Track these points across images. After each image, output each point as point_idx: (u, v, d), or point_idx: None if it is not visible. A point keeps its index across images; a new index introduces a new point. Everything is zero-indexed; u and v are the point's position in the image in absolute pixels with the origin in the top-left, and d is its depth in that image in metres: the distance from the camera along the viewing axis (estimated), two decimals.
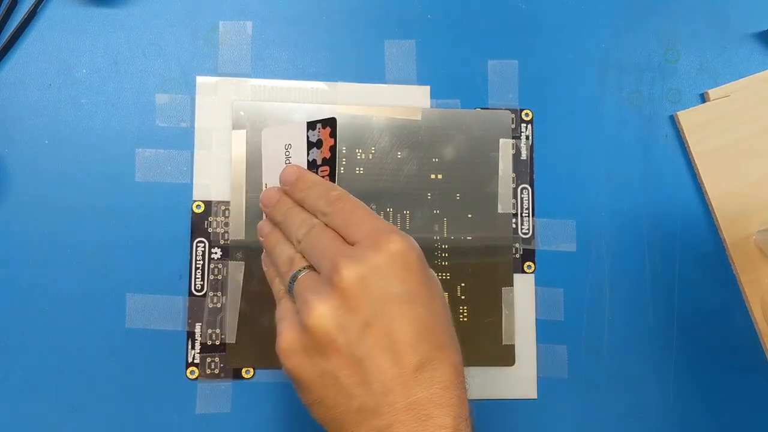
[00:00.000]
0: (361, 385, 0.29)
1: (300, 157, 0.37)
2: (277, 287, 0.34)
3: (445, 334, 0.30)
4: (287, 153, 0.38)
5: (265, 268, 0.37)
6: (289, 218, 0.35)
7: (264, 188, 0.38)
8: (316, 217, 0.33)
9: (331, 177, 0.37)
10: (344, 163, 0.40)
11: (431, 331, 0.29)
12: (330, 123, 0.37)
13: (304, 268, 0.32)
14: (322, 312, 0.29)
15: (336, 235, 0.32)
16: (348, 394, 0.29)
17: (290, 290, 0.32)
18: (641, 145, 0.43)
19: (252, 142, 0.40)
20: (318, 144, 0.37)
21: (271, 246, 0.35)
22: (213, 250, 0.39)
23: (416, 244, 0.30)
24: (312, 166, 0.37)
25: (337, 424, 0.29)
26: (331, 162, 0.37)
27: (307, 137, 0.37)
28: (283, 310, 0.32)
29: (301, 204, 0.35)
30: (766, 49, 0.44)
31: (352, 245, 0.31)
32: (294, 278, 0.32)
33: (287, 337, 0.30)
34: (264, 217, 0.37)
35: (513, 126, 0.42)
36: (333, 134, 0.37)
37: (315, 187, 0.35)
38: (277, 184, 0.37)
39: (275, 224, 0.36)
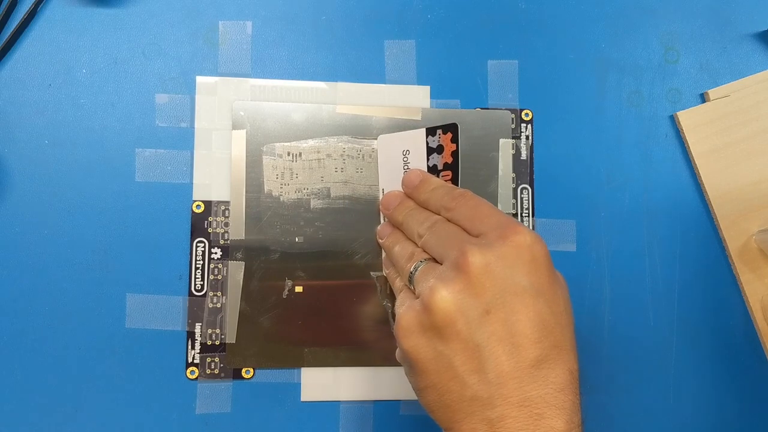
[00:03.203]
0: (476, 372, 0.28)
1: (419, 162, 0.39)
2: (398, 285, 0.35)
3: (565, 336, 0.29)
4: (405, 159, 0.39)
5: (385, 271, 0.39)
6: (412, 217, 0.36)
7: (381, 193, 0.40)
8: (439, 215, 0.34)
9: (454, 181, 0.39)
10: (344, 163, 0.40)
11: (551, 329, 0.29)
12: (451, 129, 0.38)
13: (425, 260, 0.32)
14: (444, 294, 0.29)
15: (460, 228, 0.32)
16: (462, 380, 0.28)
17: (411, 280, 0.32)
18: (641, 145, 0.43)
19: (252, 142, 0.40)
20: (439, 149, 0.38)
21: (391, 246, 0.36)
22: (213, 250, 0.39)
23: (544, 241, 0.30)
24: (433, 171, 0.39)
25: (448, 411, 0.29)
26: (453, 166, 0.38)
27: (427, 143, 0.39)
28: (403, 298, 0.32)
29: (424, 205, 0.36)
30: (766, 49, 0.44)
31: (477, 237, 0.31)
32: (415, 269, 0.32)
33: (407, 316, 0.30)
34: (382, 220, 0.39)
35: (513, 126, 0.42)
36: (455, 139, 0.38)
37: (440, 188, 0.36)
38: (394, 189, 0.39)
39: (396, 225, 0.37)
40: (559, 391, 0.28)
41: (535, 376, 0.28)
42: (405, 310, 0.30)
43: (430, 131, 0.39)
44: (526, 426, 0.27)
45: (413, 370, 0.30)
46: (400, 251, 0.35)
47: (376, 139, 0.40)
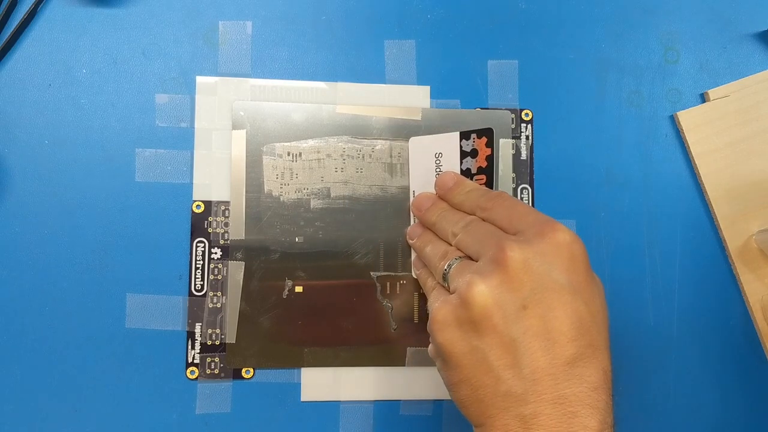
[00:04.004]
0: (511, 368, 0.28)
1: (452, 165, 0.39)
2: (430, 284, 0.35)
3: (601, 335, 0.29)
4: (438, 161, 0.39)
5: (416, 272, 0.39)
6: (445, 218, 0.36)
7: (412, 195, 0.40)
8: (474, 215, 0.34)
9: (488, 185, 0.39)
10: (344, 163, 0.40)
11: (588, 328, 0.29)
12: (486, 133, 0.39)
13: (460, 258, 0.32)
14: (483, 288, 0.29)
15: (496, 227, 0.32)
16: (496, 375, 0.28)
17: (445, 278, 0.32)
18: (641, 145, 0.43)
19: (252, 142, 0.40)
20: (473, 153, 0.39)
21: (423, 246, 0.36)
22: (213, 250, 0.39)
23: (582, 241, 0.30)
24: (466, 174, 0.39)
25: (480, 406, 0.29)
26: (488, 170, 0.39)
27: (461, 146, 0.39)
28: (436, 295, 0.32)
29: (458, 207, 0.36)
30: (766, 49, 0.44)
31: (515, 235, 0.31)
32: (449, 266, 0.32)
33: (442, 310, 0.30)
34: (412, 221, 0.40)
35: (513, 126, 0.42)
36: (490, 144, 0.39)
37: (475, 191, 0.36)
38: (426, 191, 0.39)
39: (428, 226, 0.37)
40: (594, 390, 0.28)
41: (570, 374, 0.28)
42: (440, 304, 0.30)
43: (464, 135, 0.39)
44: (559, 424, 0.27)
45: (447, 364, 0.30)
46: (433, 250, 0.35)
47: (376, 139, 0.40)
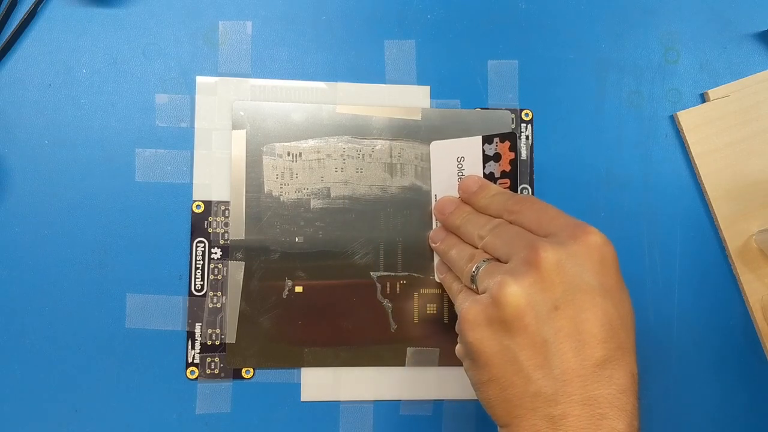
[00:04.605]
0: (542, 368, 0.28)
1: (475, 169, 0.39)
2: (455, 288, 0.35)
3: (629, 338, 0.30)
4: (460, 165, 0.39)
5: (439, 276, 0.39)
6: (471, 221, 0.36)
7: (434, 199, 0.40)
8: (500, 218, 0.34)
9: (512, 189, 0.39)
10: (344, 163, 0.40)
11: (617, 330, 0.29)
12: (510, 137, 0.39)
13: (488, 260, 0.32)
14: (515, 289, 0.29)
15: (524, 231, 0.32)
16: (526, 375, 0.28)
17: (473, 280, 0.32)
18: (641, 145, 0.43)
19: (252, 142, 0.40)
20: (495, 157, 0.39)
21: (447, 249, 0.36)
22: (213, 250, 0.39)
23: (612, 245, 0.30)
24: (489, 178, 0.39)
25: (508, 405, 0.29)
26: (511, 175, 0.39)
27: (483, 150, 0.39)
28: (464, 296, 0.32)
29: (484, 210, 0.36)
30: (766, 49, 0.44)
31: (546, 237, 0.31)
32: (477, 268, 0.32)
33: (474, 309, 0.30)
34: (434, 225, 0.40)
35: (513, 126, 0.42)
36: (513, 148, 0.39)
37: (501, 194, 0.36)
38: (448, 194, 0.39)
39: (451, 230, 0.37)
40: (622, 393, 0.28)
41: (599, 376, 0.28)
42: (470, 303, 0.30)
43: (487, 139, 0.39)
44: (588, 425, 0.27)
45: (476, 363, 0.30)
46: (459, 253, 0.35)
47: (376, 139, 0.40)
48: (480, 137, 0.39)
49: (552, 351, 0.28)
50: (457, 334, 0.32)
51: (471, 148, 0.39)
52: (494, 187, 0.37)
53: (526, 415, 0.28)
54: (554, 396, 0.28)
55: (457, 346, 0.32)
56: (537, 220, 0.32)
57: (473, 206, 0.37)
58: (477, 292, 0.32)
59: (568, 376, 0.28)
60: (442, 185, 0.40)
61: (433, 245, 0.39)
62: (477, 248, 0.34)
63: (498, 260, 0.32)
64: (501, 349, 0.29)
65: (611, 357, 0.28)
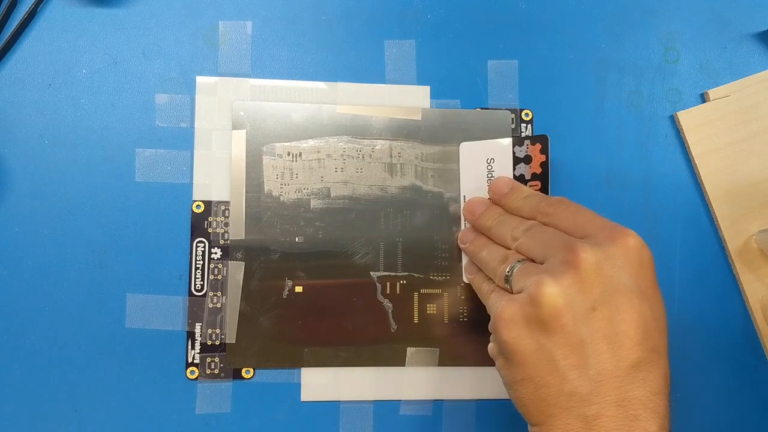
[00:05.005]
0: (578, 368, 0.28)
1: (506, 170, 0.39)
2: (486, 289, 0.35)
3: (663, 341, 0.30)
4: (489, 167, 0.39)
5: (468, 276, 0.39)
6: (503, 223, 0.35)
7: (463, 200, 0.40)
8: (534, 220, 0.34)
9: (543, 191, 0.39)
10: (344, 163, 0.40)
11: (652, 333, 0.29)
12: (541, 140, 0.39)
13: (522, 260, 0.32)
14: (554, 288, 0.29)
15: (559, 232, 0.32)
16: (562, 375, 0.29)
17: (507, 280, 0.32)
18: (641, 145, 0.43)
19: (252, 142, 0.40)
20: (526, 159, 0.38)
21: (478, 250, 0.36)
22: (213, 250, 0.39)
23: (649, 248, 0.31)
24: (520, 180, 0.38)
25: (542, 404, 0.29)
26: (542, 177, 0.39)
27: (513, 153, 0.39)
28: (498, 296, 0.33)
29: (516, 212, 0.36)
30: (766, 49, 0.44)
31: (582, 239, 0.31)
32: (512, 269, 0.32)
33: (511, 307, 0.30)
34: (463, 226, 0.40)
35: (513, 126, 0.42)
36: (544, 150, 0.38)
37: (533, 196, 0.36)
38: (478, 195, 0.39)
39: (482, 231, 0.37)
40: (655, 395, 0.28)
41: (634, 377, 0.28)
42: (507, 302, 0.30)
43: (518, 141, 0.39)
44: (621, 426, 0.27)
45: (511, 362, 0.30)
46: (491, 254, 0.35)
47: (376, 139, 0.40)
48: (510, 139, 0.39)
49: (588, 351, 0.28)
50: (490, 333, 0.32)
51: (501, 149, 0.39)
52: (526, 189, 0.37)
53: (560, 414, 0.28)
54: (589, 396, 0.28)
55: (490, 345, 0.32)
56: (573, 221, 0.32)
57: (505, 208, 0.37)
58: (511, 292, 0.32)
59: (604, 377, 0.28)
60: (471, 186, 0.40)
61: (462, 246, 0.39)
62: (509, 249, 0.34)
63: (532, 261, 0.32)
64: (537, 348, 0.29)
65: (646, 359, 0.29)
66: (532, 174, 0.39)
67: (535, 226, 0.33)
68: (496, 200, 0.38)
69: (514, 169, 0.39)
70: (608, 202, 0.42)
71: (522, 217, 0.35)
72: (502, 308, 0.30)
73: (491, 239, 0.36)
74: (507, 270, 0.33)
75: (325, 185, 0.40)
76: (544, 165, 0.39)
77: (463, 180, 0.40)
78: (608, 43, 0.43)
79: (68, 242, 0.39)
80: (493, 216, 0.37)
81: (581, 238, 0.31)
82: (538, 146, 0.39)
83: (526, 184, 0.39)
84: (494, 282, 0.34)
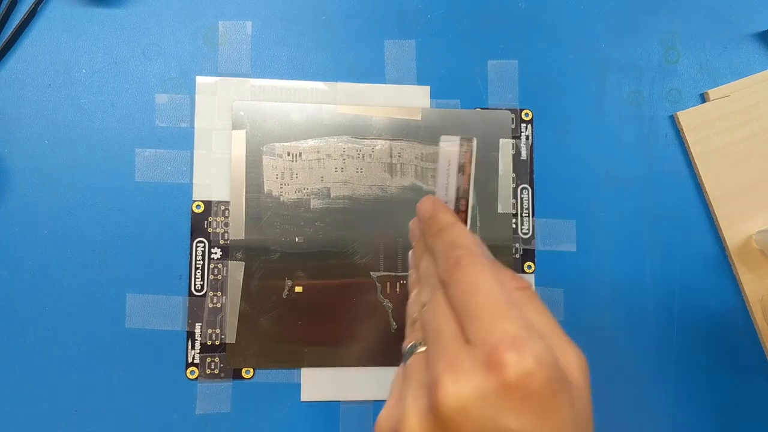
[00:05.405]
0: None
1: (453, 182, 0.32)
2: (410, 310, 0.29)
3: None
4: (448, 171, 0.32)
5: (412, 275, 0.32)
6: (425, 262, 0.29)
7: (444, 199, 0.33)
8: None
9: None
10: (344, 163, 0.40)
11: None
12: (470, 142, 0.31)
13: (421, 344, 0.26)
14: (414, 423, 0.23)
15: (452, 320, 0.25)
16: None
17: (406, 358, 0.27)
18: (641, 145, 0.43)
19: (252, 142, 0.40)
20: (462, 168, 0.31)
21: (410, 288, 0.30)
22: (213, 250, 0.39)
23: (549, 363, 0.22)
24: (457, 193, 0.32)
25: None
26: (467, 195, 0.32)
27: (459, 158, 0.31)
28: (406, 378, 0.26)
29: (430, 251, 0.29)
30: (766, 49, 0.44)
31: (466, 345, 0.24)
32: (410, 352, 0.26)
33: (381, 424, 0.25)
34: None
35: (513, 126, 0.42)
36: (472, 159, 0.31)
37: (442, 235, 0.28)
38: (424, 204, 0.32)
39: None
40: None
41: None
42: (385, 413, 0.25)
43: (461, 142, 0.31)
44: None
45: None
46: (415, 297, 0.29)
47: (376, 139, 0.40)
48: (458, 138, 0.32)
49: None
50: None
51: (457, 152, 0.32)
52: (441, 219, 0.29)
53: None
54: None
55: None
56: (462, 310, 0.24)
57: (425, 240, 0.30)
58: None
59: None
60: (439, 187, 0.33)
61: (411, 236, 0.32)
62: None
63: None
64: None
65: None
66: (463, 190, 0.32)
67: (434, 302, 0.26)
68: (422, 225, 0.31)
69: (456, 178, 0.32)
70: (608, 202, 0.42)
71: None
72: (378, 418, 0.25)
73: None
74: (409, 348, 0.26)
75: (325, 185, 0.40)
76: (470, 178, 0.32)
77: (438, 181, 0.33)
78: (608, 43, 0.43)
79: (68, 242, 0.39)
80: (418, 251, 0.30)
81: (467, 341, 0.24)
82: (469, 153, 0.31)
83: (458, 203, 0.32)
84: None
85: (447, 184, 0.32)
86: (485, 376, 0.22)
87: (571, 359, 0.24)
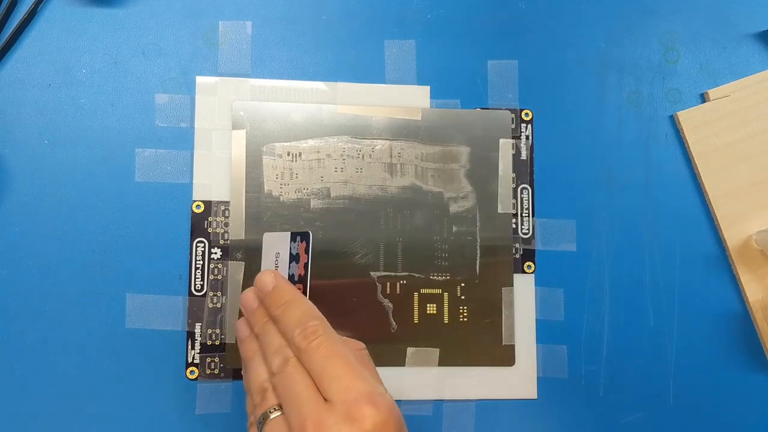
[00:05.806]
0: None
1: (284, 269, 0.35)
2: (249, 406, 0.31)
3: None
4: (276, 262, 0.36)
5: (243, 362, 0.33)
6: (266, 337, 0.31)
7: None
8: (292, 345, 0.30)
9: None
10: (344, 163, 0.40)
11: None
12: (305, 237, 0.35)
13: (276, 409, 0.29)
14: None
15: (309, 383, 0.28)
16: None
17: (260, 427, 0.29)
18: (641, 145, 0.43)
19: (252, 142, 0.40)
20: (296, 258, 0.35)
21: (247, 358, 0.32)
22: (213, 250, 0.39)
23: (396, 412, 0.27)
24: (292, 280, 0.35)
25: None
26: (304, 280, 0.35)
27: (290, 249, 0.35)
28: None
29: (276, 322, 0.31)
30: (766, 49, 0.44)
31: (326, 400, 0.27)
32: (264, 417, 0.29)
33: None
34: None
35: (513, 126, 0.42)
36: (307, 250, 0.35)
37: (291, 306, 0.31)
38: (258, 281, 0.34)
39: (253, 333, 0.33)
40: None
41: None
42: None
43: (293, 237, 0.35)
44: None
45: None
46: (255, 373, 0.31)
47: (376, 139, 0.40)
48: (289, 234, 0.36)
49: None
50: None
51: (285, 244, 0.36)
52: (287, 293, 0.32)
53: None
54: None
55: None
56: (319, 374, 0.28)
57: (268, 311, 0.32)
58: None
59: None
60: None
61: (237, 339, 0.34)
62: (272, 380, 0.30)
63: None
64: None
65: None
66: (298, 276, 0.35)
67: (288, 367, 0.29)
68: (261, 298, 0.33)
69: (289, 267, 0.35)
70: (608, 202, 0.42)
71: (282, 332, 0.31)
72: None
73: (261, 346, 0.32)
74: (260, 416, 0.29)
75: (325, 185, 0.40)
76: (306, 267, 0.35)
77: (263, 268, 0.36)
78: (608, 43, 0.43)
79: (68, 242, 0.39)
80: (259, 321, 0.32)
81: (326, 400, 0.27)
82: (304, 244, 0.35)
83: (295, 284, 0.34)
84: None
85: (277, 270, 0.35)
86: (350, 428, 0.26)
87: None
